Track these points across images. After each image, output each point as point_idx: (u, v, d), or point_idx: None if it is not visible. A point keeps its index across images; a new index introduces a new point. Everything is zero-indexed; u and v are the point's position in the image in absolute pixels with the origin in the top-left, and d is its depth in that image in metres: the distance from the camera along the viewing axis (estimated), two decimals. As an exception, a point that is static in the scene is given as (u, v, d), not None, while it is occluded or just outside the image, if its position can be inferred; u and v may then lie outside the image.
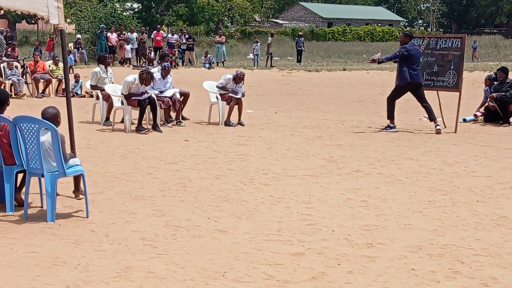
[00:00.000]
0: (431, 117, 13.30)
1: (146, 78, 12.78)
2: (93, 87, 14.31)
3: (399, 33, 63.11)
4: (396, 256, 5.74)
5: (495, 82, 14.95)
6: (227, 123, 13.90)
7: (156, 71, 14.18)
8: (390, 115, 13.34)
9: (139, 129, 12.68)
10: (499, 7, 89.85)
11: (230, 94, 14.03)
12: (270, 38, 36.83)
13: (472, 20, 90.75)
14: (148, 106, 12.93)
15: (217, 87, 14.34)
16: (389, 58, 13.53)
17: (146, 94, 12.90)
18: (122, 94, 12.92)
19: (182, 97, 14.31)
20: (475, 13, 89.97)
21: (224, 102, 14.08)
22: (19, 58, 23.09)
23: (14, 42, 26.32)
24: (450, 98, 15.92)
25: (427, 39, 14.16)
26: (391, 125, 13.34)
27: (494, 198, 7.96)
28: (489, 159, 10.56)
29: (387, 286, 5.03)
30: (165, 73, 13.84)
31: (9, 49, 24.83)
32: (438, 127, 13.20)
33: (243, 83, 14.31)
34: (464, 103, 14.75)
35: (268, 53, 36.01)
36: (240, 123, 13.99)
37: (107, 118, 13.63)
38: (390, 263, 5.55)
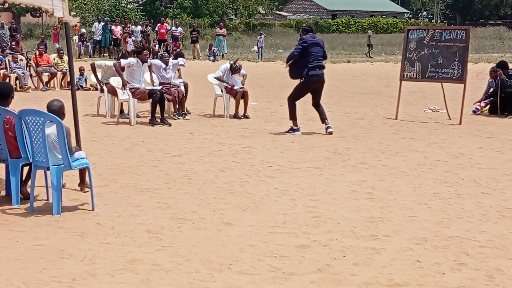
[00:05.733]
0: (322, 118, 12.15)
1: (138, 48, 13.00)
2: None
3: (404, 25, 62.72)
4: (401, 248, 5.75)
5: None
6: (235, 116, 13.87)
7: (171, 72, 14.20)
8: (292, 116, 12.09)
9: (153, 122, 12.67)
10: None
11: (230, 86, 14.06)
12: (370, 31, 39.79)
13: (476, 11, 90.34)
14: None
15: (214, 77, 14.35)
16: (291, 57, 11.81)
17: (154, 86, 12.97)
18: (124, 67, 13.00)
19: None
20: (479, 4, 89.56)
21: (229, 95, 14.08)
22: (22, 51, 23.08)
23: (18, 36, 26.22)
24: (455, 90, 15.93)
25: (431, 31, 14.11)
26: (294, 127, 12.07)
27: (499, 190, 7.96)
28: (494, 150, 10.55)
29: (392, 278, 5.04)
30: (164, 62, 13.83)
31: (13, 43, 24.82)
32: (329, 130, 11.96)
33: (241, 75, 14.33)
34: (468, 95, 14.73)
35: (368, 44, 38.06)
36: (245, 116, 13.97)
37: (122, 111, 13.60)
38: (395, 255, 5.55)
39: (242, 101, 13.98)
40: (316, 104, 12.15)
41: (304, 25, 12.91)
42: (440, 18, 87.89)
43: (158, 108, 12.80)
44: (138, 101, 13.01)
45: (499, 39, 52.33)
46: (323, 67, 11.94)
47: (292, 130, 12.01)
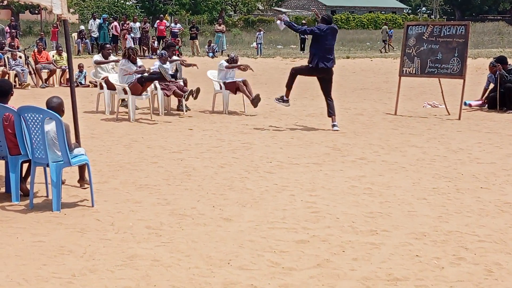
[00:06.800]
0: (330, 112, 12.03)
1: (129, 54, 13.12)
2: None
3: (403, 21, 62.47)
4: (400, 242, 5.76)
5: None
6: (252, 100, 13.73)
7: (168, 67, 14.19)
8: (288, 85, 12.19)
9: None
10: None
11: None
12: (385, 26, 39.45)
13: (475, 6, 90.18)
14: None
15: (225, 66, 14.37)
16: (295, 28, 12.20)
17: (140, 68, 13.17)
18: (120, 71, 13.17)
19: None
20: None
21: (228, 91, 14.08)
22: (19, 49, 23.06)
23: (13, 31, 26.10)
24: (454, 85, 15.92)
25: (431, 27, 14.10)
26: (285, 97, 12.18)
27: (498, 185, 7.97)
28: (493, 145, 10.56)
29: (391, 272, 5.05)
30: (163, 61, 13.86)
31: (8, 39, 24.72)
32: (335, 128, 11.86)
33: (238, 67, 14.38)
34: (468, 90, 14.73)
35: (383, 40, 38.45)
36: (254, 98, 13.77)
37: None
38: (395, 250, 5.57)
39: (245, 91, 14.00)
40: (326, 95, 12.08)
41: (324, 14, 12.41)
42: (439, 14, 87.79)
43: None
44: (137, 98, 13.01)
45: (498, 35, 52.25)
46: (333, 60, 11.91)
47: (281, 99, 12.13)
